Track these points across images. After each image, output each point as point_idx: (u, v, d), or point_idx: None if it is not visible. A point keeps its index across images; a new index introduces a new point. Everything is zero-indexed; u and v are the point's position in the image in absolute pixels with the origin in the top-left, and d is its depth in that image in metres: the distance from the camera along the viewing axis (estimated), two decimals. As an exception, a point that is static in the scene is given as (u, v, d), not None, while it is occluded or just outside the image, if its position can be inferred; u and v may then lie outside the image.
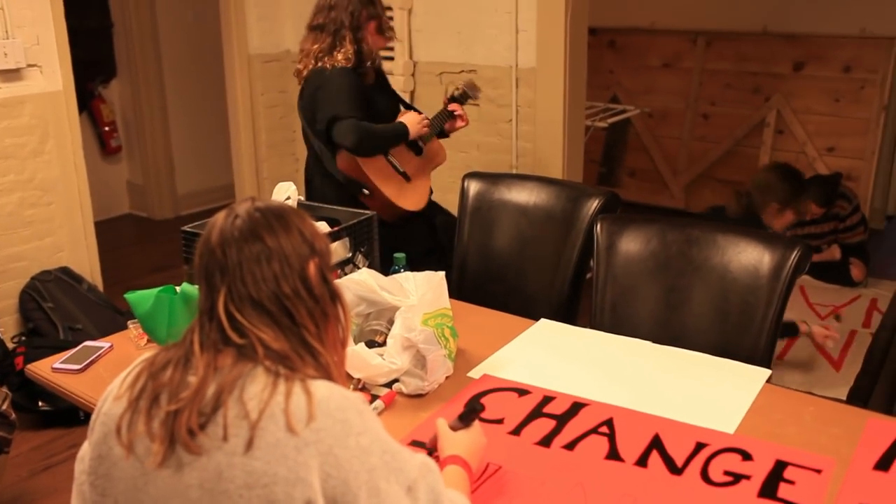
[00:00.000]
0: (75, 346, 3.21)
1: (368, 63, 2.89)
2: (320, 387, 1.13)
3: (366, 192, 2.87)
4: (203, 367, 1.13)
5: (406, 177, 2.99)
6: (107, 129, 5.63)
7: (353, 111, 2.74)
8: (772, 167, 4.14)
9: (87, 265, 3.84)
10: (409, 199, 3.02)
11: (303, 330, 1.17)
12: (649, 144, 5.88)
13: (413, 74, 4.17)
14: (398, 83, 4.17)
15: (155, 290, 1.65)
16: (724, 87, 5.56)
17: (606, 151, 6.09)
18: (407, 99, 4.16)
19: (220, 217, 1.21)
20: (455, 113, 3.07)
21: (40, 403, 3.20)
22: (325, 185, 2.94)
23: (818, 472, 1.48)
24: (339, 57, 2.79)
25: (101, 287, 3.88)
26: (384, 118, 2.93)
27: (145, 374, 1.18)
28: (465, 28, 3.93)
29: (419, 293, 1.86)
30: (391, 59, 4.17)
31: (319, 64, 2.82)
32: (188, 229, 1.99)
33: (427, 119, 2.99)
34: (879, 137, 5.04)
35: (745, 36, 5.45)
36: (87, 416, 3.16)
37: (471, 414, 1.47)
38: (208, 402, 1.11)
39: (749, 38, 5.43)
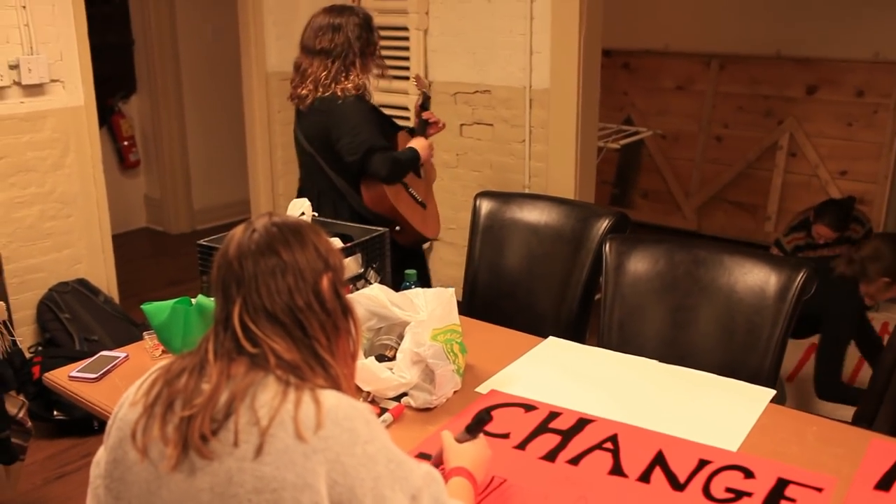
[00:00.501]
0: (91, 356, 3.27)
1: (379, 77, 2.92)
2: (329, 396, 1.16)
3: (398, 228, 2.82)
4: (216, 375, 1.17)
5: (423, 205, 3.00)
6: (126, 143, 5.72)
7: (382, 141, 2.74)
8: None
9: (104, 277, 3.90)
10: (430, 227, 3.04)
11: (314, 342, 1.21)
12: (662, 166, 5.91)
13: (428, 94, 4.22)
14: (413, 102, 4.23)
15: (171, 302, 1.69)
16: (737, 110, 5.59)
17: (619, 173, 6.13)
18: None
19: (238, 231, 1.25)
20: (429, 121, 3.02)
21: (55, 413, 3.25)
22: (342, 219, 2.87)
23: (819, 490, 1.50)
24: (350, 85, 2.71)
25: (117, 299, 3.94)
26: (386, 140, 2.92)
27: (161, 381, 1.22)
28: (479, 49, 3.99)
29: (429, 309, 1.89)
30: (406, 78, 4.23)
31: (329, 92, 2.71)
32: (204, 243, 2.03)
33: (432, 146, 3.01)
34: (892, 161, 5.04)
35: (758, 59, 5.48)
36: (101, 425, 3.20)
37: (479, 424, 1.49)
38: (221, 409, 1.14)
39: (762, 61, 5.46)
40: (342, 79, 2.71)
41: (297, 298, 1.20)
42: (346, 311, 1.28)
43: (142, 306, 1.73)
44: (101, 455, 1.27)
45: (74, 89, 3.67)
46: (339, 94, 2.70)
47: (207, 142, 5.93)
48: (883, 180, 5.08)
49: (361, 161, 2.73)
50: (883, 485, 1.50)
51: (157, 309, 1.69)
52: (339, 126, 2.70)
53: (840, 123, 5.21)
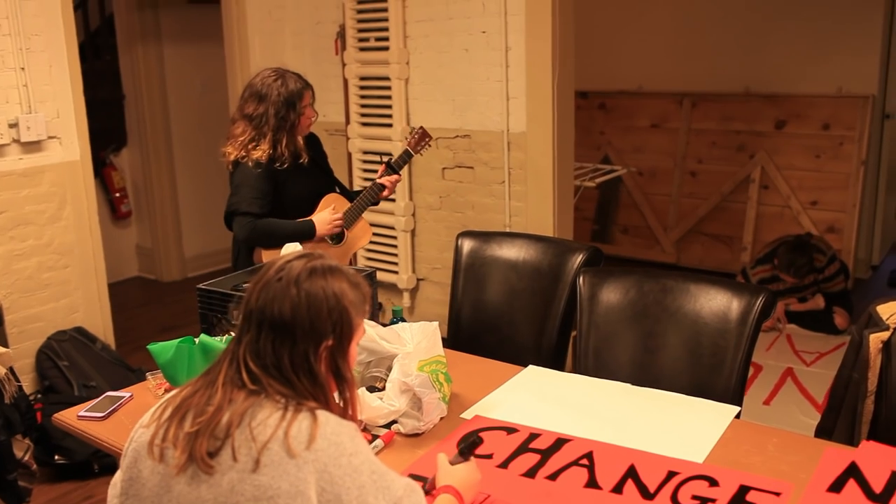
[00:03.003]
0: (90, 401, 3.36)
1: (285, 157, 2.83)
2: (320, 414, 1.30)
3: None
4: (219, 399, 1.31)
5: None
6: (117, 195, 5.86)
7: (251, 206, 2.77)
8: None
9: (101, 325, 4.01)
10: None
11: (307, 396, 1.33)
12: (640, 202, 6.10)
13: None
14: (396, 149, 4.40)
15: (176, 341, 1.82)
16: (710, 146, 5.80)
17: (599, 209, 6.31)
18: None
19: (273, 269, 1.36)
20: (384, 186, 3.02)
21: (57, 457, 3.34)
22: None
23: (777, 495, 1.63)
24: (259, 153, 2.78)
25: (113, 346, 4.05)
26: (302, 202, 2.91)
27: (171, 407, 1.35)
28: (458, 96, 4.17)
29: (415, 342, 2.03)
30: (390, 125, 4.41)
31: (244, 153, 2.81)
32: (204, 287, 2.17)
33: (339, 220, 2.92)
34: (860, 191, 5.25)
35: (728, 97, 5.70)
36: (102, 469, 3.33)
37: (470, 447, 1.61)
38: (222, 429, 1.28)
39: (732, 98, 5.69)
40: (254, 146, 2.80)
41: (285, 360, 1.31)
42: (342, 380, 1.37)
43: (148, 346, 1.86)
44: (117, 477, 1.40)
45: (70, 145, 3.82)
46: (247, 158, 2.79)
47: (197, 191, 6.08)
48: (851, 209, 5.28)
49: (226, 222, 2.86)
50: (835, 487, 1.64)
51: (162, 348, 1.82)
52: (230, 186, 2.85)
53: (809, 156, 5.42)
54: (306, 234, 2.87)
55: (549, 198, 3.93)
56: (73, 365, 3.72)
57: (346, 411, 1.38)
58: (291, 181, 2.88)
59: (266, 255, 2.80)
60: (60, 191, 3.80)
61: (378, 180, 3.04)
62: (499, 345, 2.71)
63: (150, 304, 5.57)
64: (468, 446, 1.61)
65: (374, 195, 3.03)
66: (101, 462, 3.33)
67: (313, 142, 3.05)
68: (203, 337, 1.82)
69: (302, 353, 1.32)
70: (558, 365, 2.60)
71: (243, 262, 2.88)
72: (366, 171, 4.53)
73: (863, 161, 5.23)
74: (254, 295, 1.34)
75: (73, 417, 2.11)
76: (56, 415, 2.14)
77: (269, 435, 1.26)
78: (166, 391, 2.21)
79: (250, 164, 2.80)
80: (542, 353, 2.64)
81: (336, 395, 1.39)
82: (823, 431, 2.15)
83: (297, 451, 1.24)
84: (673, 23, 5.88)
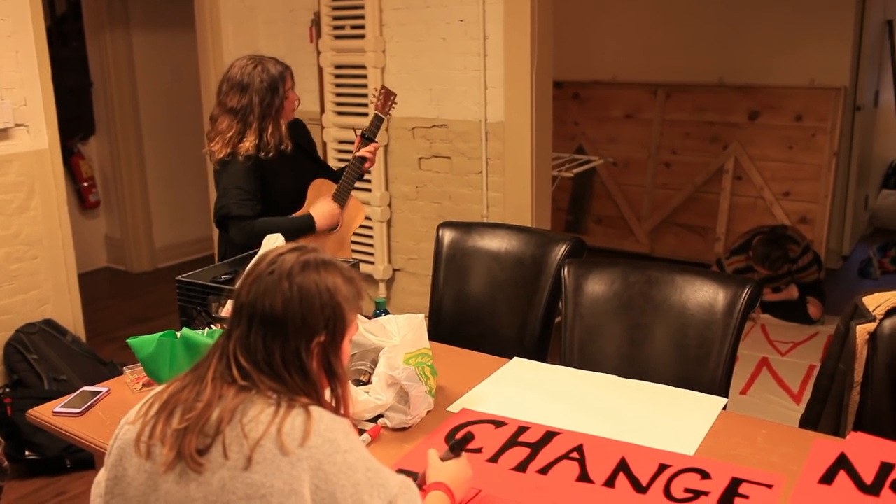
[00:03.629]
0: (60, 396, 3.29)
1: (270, 146, 2.75)
2: (314, 410, 1.26)
3: None
4: (209, 395, 1.27)
5: None
6: (85, 184, 5.75)
7: (242, 209, 2.69)
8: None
9: (71, 317, 3.93)
10: None
11: (298, 391, 1.29)
12: (614, 192, 6.11)
13: (387, 130, 4.35)
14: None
15: (157, 335, 1.77)
16: (684, 137, 5.82)
17: (573, 200, 6.31)
18: (381, 152, 4.33)
19: (264, 261, 1.31)
20: (366, 158, 2.95)
21: (27, 453, 3.27)
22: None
23: (769, 487, 1.63)
24: (248, 145, 2.70)
25: (84, 338, 3.97)
26: (291, 192, 2.85)
27: (157, 403, 1.31)
28: (435, 85, 4.13)
29: (401, 334, 1.99)
30: (365, 115, 4.36)
31: (230, 149, 2.72)
32: (183, 279, 2.11)
33: (338, 210, 2.88)
34: (832, 182, 5.30)
35: (702, 88, 5.72)
36: (74, 464, 3.25)
37: (461, 443, 1.59)
38: (211, 426, 1.24)
39: (706, 89, 5.71)
40: (241, 140, 2.72)
41: (276, 356, 1.27)
42: (334, 377, 1.33)
43: (127, 340, 1.80)
44: (101, 476, 1.36)
45: (39, 133, 3.73)
46: (237, 153, 2.71)
47: (167, 180, 5.99)
48: (823, 200, 5.33)
49: (219, 225, 2.78)
50: (826, 479, 1.64)
51: (142, 343, 1.76)
52: (218, 185, 2.76)
53: (781, 147, 5.45)
54: (306, 230, 2.80)
55: (528, 188, 3.92)
56: (42, 358, 3.64)
57: (338, 408, 1.35)
58: (279, 173, 2.81)
59: None
60: (28, 180, 3.71)
61: (357, 154, 2.95)
62: (481, 336, 2.68)
63: (120, 295, 5.47)
64: (459, 443, 1.59)
65: (358, 169, 2.95)
66: (73, 458, 3.26)
67: (300, 129, 2.96)
68: (185, 331, 1.77)
69: (293, 350, 1.28)
70: (541, 357, 2.58)
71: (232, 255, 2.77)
72: (341, 160, 4.48)
73: (835, 152, 5.28)
74: (245, 288, 1.30)
75: (48, 413, 2.05)
76: (30, 411, 2.07)
77: (261, 432, 1.22)
78: (144, 386, 2.16)
79: (240, 158, 2.71)
80: (524, 344, 2.62)
81: (328, 391, 1.35)
82: (808, 422, 2.15)
83: (291, 448, 1.21)
84: (647, 13, 5.88)
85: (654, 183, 5.96)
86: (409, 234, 4.43)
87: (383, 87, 3.04)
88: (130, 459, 1.29)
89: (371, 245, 4.51)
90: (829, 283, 5.04)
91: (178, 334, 1.79)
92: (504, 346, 2.57)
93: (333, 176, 3.01)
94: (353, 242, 4.56)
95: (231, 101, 2.72)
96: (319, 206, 2.85)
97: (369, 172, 3.07)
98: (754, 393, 3.81)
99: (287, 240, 2.63)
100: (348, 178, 2.93)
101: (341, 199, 2.92)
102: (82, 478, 3.23)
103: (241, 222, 2.70)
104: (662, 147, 5.91)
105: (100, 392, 2.13)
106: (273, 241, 2.21)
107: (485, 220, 4.04)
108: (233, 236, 2.75)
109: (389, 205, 4.45)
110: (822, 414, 2.12)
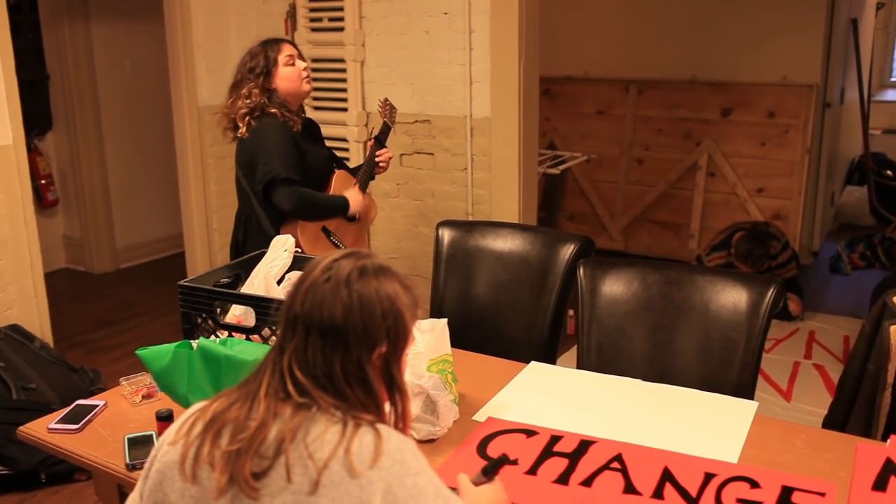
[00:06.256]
0: (30, 405, 3.11)
1: (291, 108, 2.79)
2: (382, 428, 1.17)
3: None
4: (262, 413, 1.16)
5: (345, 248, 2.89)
6: (43, 182, 5.50)
7: (291, 172, 2.67)
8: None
9: (38, 322, 3.74)
10: None
11: (358, 406, 1.20)
12: (587, 189, 6.07)
13: (366, 125, 4.24)
14: (351, 134, 4.23)
15: (171, 346, 1.64)
16: (657, 133, 5.81)
17: (545, 197, 6.25)
18: (360, 149, 4.22)
19: (318, 268, 1.21)
20: (379, 162, 3.02)
21: (-1, 467, 3.09)
22: (258, 246, 2.70)
23: (822, 495, 1.57)
24: (252, 105, 2.71)
25: (52, 344, 3.78)
26: (315, 172, 2.83)
27: (201, 422, 1.20)
28: (418, 80, 4.03)
29: (425, 340, 1.90)
30: (345, 110, 4.24)
31: (253, 122, 2.72)
32: (186, 283, 1.98)
33: (370, 202, 2.98)
34: (805, 178, 5.33)
35: (674, 84, 5.71)
36: (50, 478, 3.08)
37: (496, 466, 1.47)
38: (269, 446, 1.14)
39: (678, 86, 5.70)
40: (245, 105, 2.72)
41: (336, 368, 1.18)
42: (396, 389, 1.24)
43: (137, 352, 1.67)
44: (134, 500, 1.24)
45: (2, 128, 3.54)
46: (254, 121, 2.72)
47: (129, 177, 5.78)
48: (797, 196, 5.36)
49: (264, 192, 2.71)
50: (879, 486, 1.59)
51: (155, 354, 1.64)
52: (257, 154, 2.70)
53: (754, 143, 5.47)
54: (340, 209, 2.85)
55: (514, 185, 3.84)
56: (9, 366, 3.44)
57: (397, 423, 1.25)
58: (310, 151, 2.81)
59: (303, 229, 2.73)
60: (-9, 178, 3.51)
61: (375, 156, 3.02)
62: (485, 339, 2.60)
63: (82, 297, 5.25)
64: (493, 466, 1.48)
65: (372, 169, 3.02)
66: (48, 471, 3.08)
67: (314, 129, 3.00)
68: (202, 341, 1.65)
69: (355, 361, 1.18)
70: (550, 360, 2.51)
71: (254, 246, 2.63)
72: (318, 157, 4.35)
73: (808, 149, 5.31)
74: (298, 298, 1.19)
75: (42, 430, 1.91)
76: (22, 428, 1.93)
77: (328, 453, 1.11)
78: (144, 398, 2.03)
79: (267, 124, 2.69)
80: (532, 347, 2.54)
81: (387, 406, 1.25)
82: (833, 424, 2.12)
83: (360, 470, 1.11)
84: (620, 9, 5.85)
85: (626, 179, 5.94)
86: (390, 232, 4.33)
87: (386, 99, 3.14)
88: (172, 483, 1.17)
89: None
90: (802, 279, 5.07)
91: (194, 345, 1.67)
92: (510, 348, 2.49)
93: (349, 171, 3.03)
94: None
95: (235, 78, 2.78)
96: (351, 192, 2.89)
97: (373, 178, 3.08)
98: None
99: (318, 218, 2.78)
100: (365, 175, 2.99)
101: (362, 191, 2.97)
102: (58, 492, 3.06)
103: (290, 186, 2.67)
104: (635, 143, 5.89)
105: (96, 406, 1.99)
106: (283, 243, 2.10)
107: (470, 218, 3.96)
108: (280, 202, 2.69)
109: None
110: (848, 416, 2.08)
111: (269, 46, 2.79)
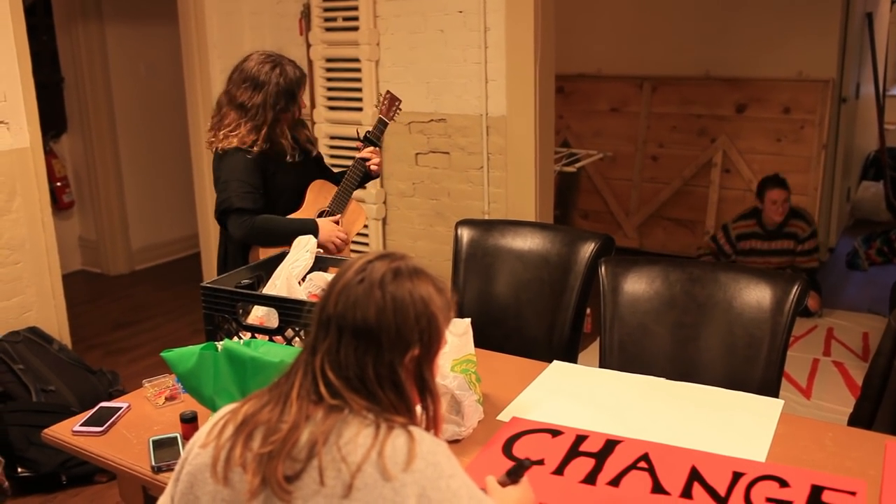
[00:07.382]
0: (50, 407, 3.11)
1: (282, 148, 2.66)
2: (414, 430, 1.16)
3: None
4: (294, 415, 1.16)
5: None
6: (58, 184, 5.52)
7: (244, 202, 2.55)
8: None
9: (56, 324, 3.75)
10: None
11: (390, 409, 1.19)
12: (601, 186, 6.05)
13: (381, 124, 4.23)
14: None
15: (197, 348, 1.64)
16: (671, 130, 5.78)
17: (559, 194, 6.22)
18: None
19: (352, 269, 1.20)
20: (367, 163, 2.81)
21: (19, 470, 3.10)
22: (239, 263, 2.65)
23: (853, 494, 1.56)
24: (251, 139, 2.58)
25: (70, 346, 3.80)
26: (288, 193, 2.71)
27: (232, 424, 1.19)
28: (433, 78, 4.02)
29: (450, 339, 1.89)
30: (360, 109, 4.23)
31: (232, 143, 2.60)
32: (208, 285, 1.98)
33: (344, 234, 2.71)
34: (821, 174, 5.30)
35: (688, 80, 5.69)
36: (70, 480, 3.09)
37: (519, 469, 1.47)
38: (302, 449, 1.13)
39: (692, 82, 5.67)
40: (247, 135, 2.59)
41: (369, 370, 1.17)
42: (428, 392, 1.23)
43: (162, 354, 1.67)
44: (166, 503, 1.23)
45: (20, 130, 3.55)
46: (237, 145, 2.59)
47: (144, 179, 5.79)
48: (813, 192, 5.33)
49: (219, 220, 2.63)
50: (911, 485, 1.57)
51: (180, 356, 1.63)
52: (217, 178, 2.62)
53: (769, 139, 5.44)
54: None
55: (531, 184, 3.83)
56: (29, 368, 3.45)
57: (429, 426, 1.24)
58: (280, 170, 2.68)
59: (263, 254, 2.58)
60: (10, 181, 3.52)
61: (358, 156, 2.82)
62: (505, 338, 2.58)
63: (98, 299, 5.27)
64: (517, 469, 1.48)
65: (359, 173, 2.80)
66: (69, 473, 3.09)
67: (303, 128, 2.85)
68: (227, 343, 1.64)
69: (388, 363, 1.17)
70: (571, 359, 2.50)
71: (234, 262, 2.64)
72: (333, 156, 4.34)
73: (823, 145, 5.28)
74: (331, 299, 1.19)
75: (67, 433, 1.91)
76: (47, 430, 1.93)
77: (361, 455, 1.11)
78: (167, 400, 2.03)
79: (232, 151, 2.58)
80: (553, 347, 2.53)
81: (419, 408, 1.25)
82: (858, 421, 2.09)
83: (394, 473, 1.10)
84: (632, 5, 5.83)
85: (641, 177, 5.92)
86: (406, 231, 4.32)
87: (388, 91, 2.91)
88: (204, 486, 1.17)
89: (367, 244, 4.39)
90: (819, 275, 5.03)
91: (219, 346, 1.66)
92: (530, 347, 2.48)
93: (334, 179, 2.88)
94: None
95: (242, 97, 2.58)
96: (324, 222, 2.69)
97: (377, 177, 2.95)
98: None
99: (277, 245, 2.54)
100: (349, 183, 2.79)
101: (341, 202, 2.79)
102: (79, 494, 3.07)
103: (241, 216, 2.56)
104: (649, 140, 5.87)
105: (120, 408, 1.99)
106: (304, 243, 2.10)
107: (486, 217, 3.95)
108: (231, 231, 2.60)
109: (385, 202, 4.33)
110: (874, 414, 2.06)
111: (297, 88, 2.62)
